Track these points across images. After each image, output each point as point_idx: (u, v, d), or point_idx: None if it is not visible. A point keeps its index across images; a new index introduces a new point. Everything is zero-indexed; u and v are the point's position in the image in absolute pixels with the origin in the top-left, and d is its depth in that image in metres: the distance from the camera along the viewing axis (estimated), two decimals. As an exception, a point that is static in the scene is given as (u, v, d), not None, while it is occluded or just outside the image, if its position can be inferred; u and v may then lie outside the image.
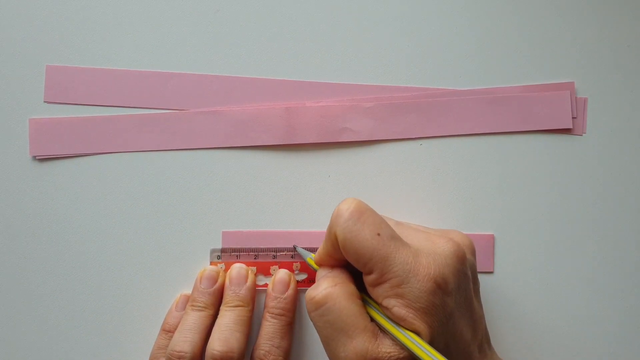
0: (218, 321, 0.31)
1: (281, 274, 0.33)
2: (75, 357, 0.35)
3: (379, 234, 0.26)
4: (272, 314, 0.32)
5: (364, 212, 0.27)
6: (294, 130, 0.35)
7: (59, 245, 0.35)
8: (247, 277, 0.33)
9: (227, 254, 0.35)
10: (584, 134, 0.36)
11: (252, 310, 0.33)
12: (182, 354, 0.30)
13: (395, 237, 0.27)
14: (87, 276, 0.35)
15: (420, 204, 0.35)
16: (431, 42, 0.36)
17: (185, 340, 0.31)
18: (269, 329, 0.32)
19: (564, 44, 0.36)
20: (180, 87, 0.36)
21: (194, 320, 0.32)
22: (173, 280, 0.35)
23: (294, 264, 0.34)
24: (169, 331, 0.32)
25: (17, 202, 0.35)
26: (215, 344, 0.30)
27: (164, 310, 0.35)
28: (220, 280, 0.33)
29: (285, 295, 0.33)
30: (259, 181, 0.35)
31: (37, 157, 0.35)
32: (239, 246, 0.35)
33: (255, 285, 0.34)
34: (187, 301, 0.33)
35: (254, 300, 0.33)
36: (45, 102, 0.36)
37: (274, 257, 0.35)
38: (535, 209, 0.35)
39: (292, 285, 0.33)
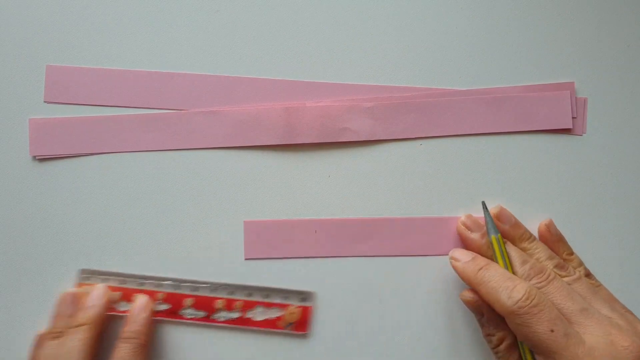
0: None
1: (140, 299, 0.34)
2: (75, 357, 0.35)
3: (552, 330, 0.28)
4: (124, 338, 0.32)
5: (542, 308, 0.28)
6: (294, 130, 0.35)
7: (59, 245, 0.35)
8: (79, 301, 0.33)
9: (95, 276, 0.34)
10: (584, 134, 0.36)
11: (93, 330, 0.32)
12: None
13: (568, 335, 0.28)
14: (87, 276, 0.35)
15: (419, 204, 0.35)
16: (431, 42, 0.36)
17: None
18: (120, 354, 0.32)
19: (564, 44, 0.36)
20: (180, 87, 0.36)
21: (51, 350, 0.31)
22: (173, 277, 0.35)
23: (158, 293, 0.34)
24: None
25: (17, 202, 0.35)
26: None
27: (164, 310, 0.35)
28: (74, 307, 0.33)
29: (139, 317, 0.33)
30: (259, 181, 0.35)
31: (37, 157, 0.35)
32: (110, 270, 0.35)
33: (150, 319, 0.33)
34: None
35: (96, 321, 0.32)
36: (45, 102, 0.36)
37: (141, 284, 0.34)
38: (535, 209, 0.35)
39: (148, 310, 0.33)
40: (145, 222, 0.35)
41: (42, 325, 0.35)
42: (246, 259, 0.35)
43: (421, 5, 0.36)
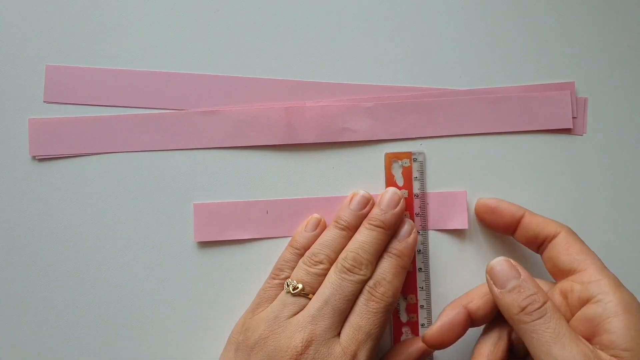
0: (355, 236, 0.32)
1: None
2: (75, 357, 0.35)
3: None
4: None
5: None
6: (294, 130, 0.35)
7: (59, 245, 0.35)
8: (398, 203, 0.32)
9: None
10: (584, 134, 0.36)
11: (390, 235, 0.32)
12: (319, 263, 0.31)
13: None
14: (87, 276, 0.35)
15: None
16: (431, 42, 0.36)
17: (320, 253, 0.32)
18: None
19: (564, 44, 0.36)
20: (180, 87, 0.36)
21: (333, 238, 0.32)
22: (173, 279, 0.35)
23: None
24: (295, 248, 0.33)
25: (17, 202, 0.35)
26: (346, 257, 0.31)
27: (164, 309, 0.35)
28: (369, 207, 0.33)
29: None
30: (259, 181, 0.35)
31: (37, 157, 0.35)
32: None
33: (403, 212, 0.33)
34: (317, 223, 0.34)
35: (395, 227, 0.33)
36: (44, 102, 0.36)
37: None
38: (535, 209, 0.35)
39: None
40: (145, 222, 0.35)
41: (42, 325, 0.35)
42: (197, 242, 0.35)
43: (421, 5, 0.36)
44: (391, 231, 0.32)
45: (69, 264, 0.35)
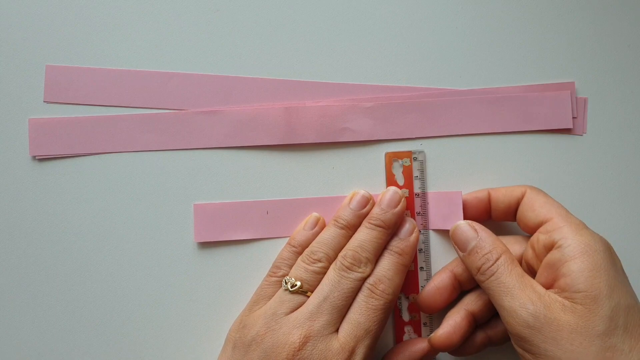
0: (355, 235, 0.32)
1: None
2: (75, 357, 0.35)
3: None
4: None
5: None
6: (294, 130, 0.35)
7: (59, 245, 0.35)
8: (398, 203, 0.33)
9: None
10: (584, 134, 0.36)
11: (390, 235, 0.32)
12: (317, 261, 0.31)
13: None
14: (87, 276, 0.35)
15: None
16: (431, 42, 0.36)
17: (319, 251, 0.32)
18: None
19: (564, 44, 0.36)
20: (180, 87, 0.36)
21: (332, 237, 0.32)
22: (173, 279, 0.35)
23: None
24: (293, 246, 0.33)
25: (17, 202, 0.35)
26: (345, 255, 0.31)
27: (164, 308, 0.35)
28: (369, 207, 0.33)
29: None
30: (259, 181, 0.35)
31: (37, 157, 0.35)
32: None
33: (404, 212, 0.33)
34: (316, 221, 0.34)
35: (396, 227, 0.33)
36: (45, 102, 0.36)
37: None
38: (535, 209, 0.35)
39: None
40: (145, 221, 0.35)
41: (42, 325, 0.35)
42: (197, 242, 0.35)
43: (421, 6, 0.36)
44: (391, 231, 0.32)
45: (69, 264, 0.35)
